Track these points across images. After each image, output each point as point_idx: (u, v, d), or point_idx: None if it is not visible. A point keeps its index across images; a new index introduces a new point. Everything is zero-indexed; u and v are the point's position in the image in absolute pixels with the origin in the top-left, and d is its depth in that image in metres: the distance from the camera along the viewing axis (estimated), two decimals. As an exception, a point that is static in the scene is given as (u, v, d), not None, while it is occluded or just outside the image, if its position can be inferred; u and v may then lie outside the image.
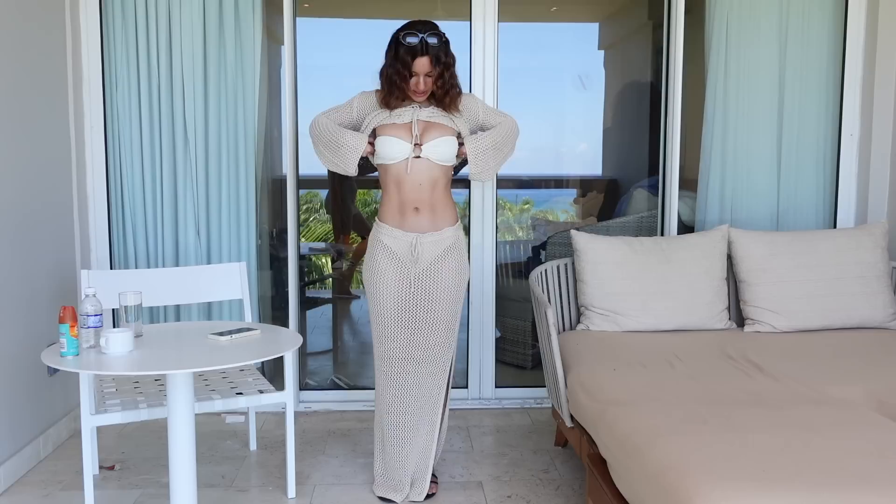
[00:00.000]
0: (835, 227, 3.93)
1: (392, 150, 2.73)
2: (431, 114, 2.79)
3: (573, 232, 3.40)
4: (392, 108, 2.79)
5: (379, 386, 2.85)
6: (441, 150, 2.75)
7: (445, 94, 2.77)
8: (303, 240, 5.96)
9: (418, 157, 2.73)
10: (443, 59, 2.72)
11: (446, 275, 2.80)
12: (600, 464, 2.47)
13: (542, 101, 5.62)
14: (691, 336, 3.20)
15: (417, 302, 2.78)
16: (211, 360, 2.34)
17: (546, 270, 3.41)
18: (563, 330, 3.41)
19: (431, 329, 2.78)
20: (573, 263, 3.40)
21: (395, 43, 2.72)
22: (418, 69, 2.70)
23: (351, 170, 2.79)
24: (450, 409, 3.09)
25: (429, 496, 2.87)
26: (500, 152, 2.85)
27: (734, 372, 2.76)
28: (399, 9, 5.21)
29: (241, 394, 2.86)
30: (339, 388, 4.34)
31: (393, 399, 2.80)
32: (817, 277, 3.31)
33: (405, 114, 2.78)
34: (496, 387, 4.02)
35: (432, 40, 2.69)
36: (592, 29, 5.75)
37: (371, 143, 2.77)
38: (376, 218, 2.87)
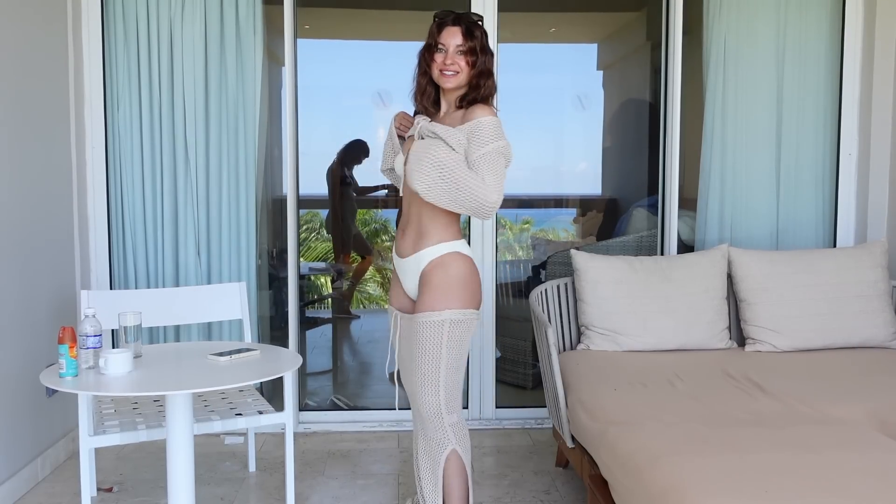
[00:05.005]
0: (834, 245, 3.93)
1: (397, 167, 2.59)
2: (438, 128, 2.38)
3: (573, 251, 3.40)
4: (426, 111, 2.49)
5: None
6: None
7: (479, 80, 2.37)
8: (303, 259, 5.97)
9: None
10: (478, 34, 2.37)
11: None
12: (602, 485, 2.46)
13: (541, 120, 5.64)
14: (692, 356, 3.19)
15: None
16: (210, 380, 2.33)
17: (546, 290, 3.41)
18: (564, 349, 3.40)
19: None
20: (573, 283, 3.40)
21: (427, 34, 2.45)
22: (446, 39, 2.36)
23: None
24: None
25: None
26: (444, 181, 2.26)
27: (735, 391, 2.75)
28: (398, 30, 5.25)
29: (240, 415, 2.85)
30: (338, 408, 4.32)
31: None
32: (818, 296, 3.31)
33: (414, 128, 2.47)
34: (496, 407, 4.00)
35: (468, 17, 2.39)
36: (591, 50, 5.79)
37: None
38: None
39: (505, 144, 2.36)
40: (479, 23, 2.43)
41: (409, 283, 2.52)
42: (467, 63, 2.38)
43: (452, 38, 2.37)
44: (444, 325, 2.38)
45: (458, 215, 2.45)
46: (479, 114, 2.35)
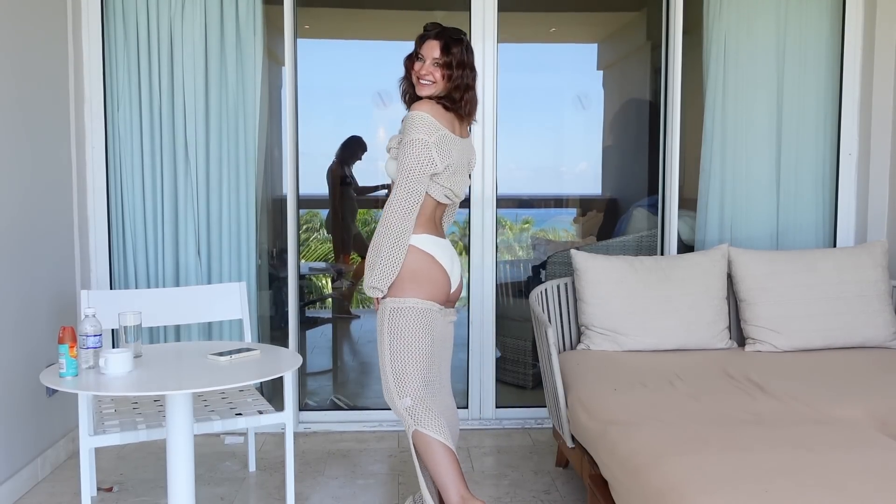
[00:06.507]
0: (834, 245, 3.93)
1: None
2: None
3: (573, 251, 3.40)
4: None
5: None
6: (389, 169, 2.58)
7: (458, 91, 2.52)
8: (303, 259, 5.97)
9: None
10: (455, 51, 2.51)
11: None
12: (602, 484, 2.46)
13: (541, 120, 5.65)
14: (692, 355, 3.19)
15: None
16: (210, 380, 2.33)
17: (546, 290, 3.41)
18: (564, 349, 3.40)
19: None
20: (573, 283, 3.40)
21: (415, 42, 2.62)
22: (425, 51, 2.53)
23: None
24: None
25: None
26: (377, 249, 2.48)
27: (735, 391, 2.75)
28: (398, 30, 5.25)
29: (240, 414, 2.85)
30: (338, 408, 4.33)
31: None
32: (818, 296, 3.31)
33: None
34: (496, 407, 4.00)
35: (449, 33, 2.54)
36: (591, 49, 5.79)
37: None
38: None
39: (416, 139, 2.47)
40: (462, 38, 2.57)
41: None
42: (442, 76, 2.52)
43: (431, 50, 2.53)
44: (384, 313, 2.54)
45: (430, 212, 2.59)
46: (412, 110, 2.52)
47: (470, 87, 2.56)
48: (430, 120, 2.48)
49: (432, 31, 2.56)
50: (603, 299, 3.27)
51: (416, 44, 2.59)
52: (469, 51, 2.57)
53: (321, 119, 5.46)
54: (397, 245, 2.46)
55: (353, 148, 5.66)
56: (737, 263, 3.39)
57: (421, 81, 2.55)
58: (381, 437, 3.83)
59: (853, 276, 3.34)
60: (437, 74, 2.53)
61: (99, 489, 3.16)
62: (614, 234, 5.04)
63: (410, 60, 2.59)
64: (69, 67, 3.56)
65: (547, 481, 3.27)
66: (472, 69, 2.57)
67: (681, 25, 3.82)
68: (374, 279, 2.49)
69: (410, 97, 2.63)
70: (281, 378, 2.77)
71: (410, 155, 2.46)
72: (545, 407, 3.32)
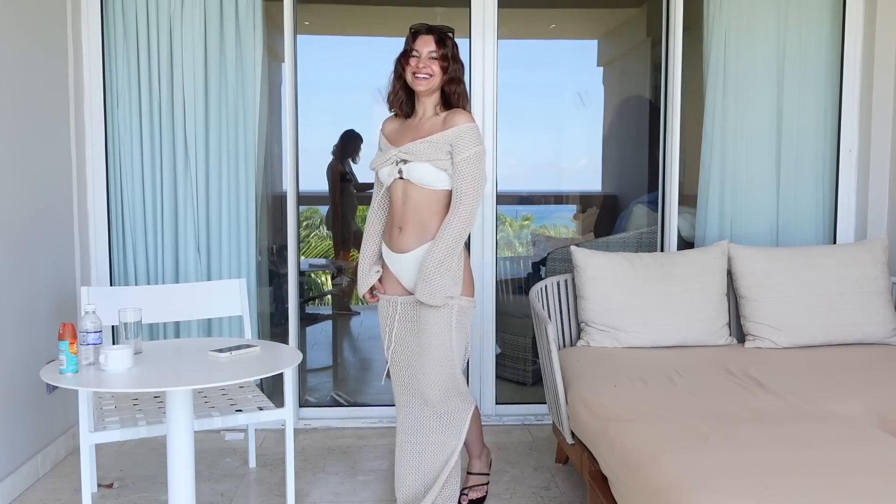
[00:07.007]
0: (834, 242, 3.93)
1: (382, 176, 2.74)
2: (419, 146, 2.62)
3: (573, 248, 3.40)
4: (401, 115, 2.75)
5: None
6: (418, 173, 2.62)
7: (450, 86, 2.63)
8: (303, 256, 5.97)
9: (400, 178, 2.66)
10: (449, 44, 2.62)
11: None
12: (601, 481, 2.46)
13: (541, 117, 5.65)
14: (692, 352, 3.19)
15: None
16: (210, 377, 2.33)
17: (546, 286, 3.41)
18: (564, 346, 3.40)
19: None
20: (573, 279, 3.40)
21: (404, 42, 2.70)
22: (420, 46, 2.61)
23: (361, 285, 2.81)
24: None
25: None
26: (450, 259, 2.58)
27: (735, 388, 2.75)
28: (398, 26, 5.24)
29: (240, 411, 2.85)
30: (338, 405, 4.33)
31: None
32: (818, 293, 3.31)
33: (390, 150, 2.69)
34: (496, 403, 4.00)
35: (440, 28, 2.65)
36: (591, 46, 5.79)
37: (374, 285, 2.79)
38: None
39: (483, 149, 2.63)
40: (451, 34, 2.67)
41: (411, 275, 2.68)
42: (440, 68, 2.61)
43: (426, 45, 2.61)
44: (452, 311, 2.64)
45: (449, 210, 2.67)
46: (461, 120, 2.60)
47: (461, 80, 2.68)
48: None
49: (424, 27, 2.64)
50: (603, 296, 3.27)
51: (407, 42, 2.66)
52: (457, 46, 2.69)
53: (321, 115, 5.46)
54: (461, 251, 2.63)
55: (352, 143, 5.66)
56: (737, 260, 3.39)
57: (418, 76, 2.61)
58: (381, 433, 3.83)
59: (853, 273, 3.34)
60: (435, 67, 2.60)
61: (99, 485, 3.17)
62: (614, 230, 5.04)
63: (404, 58, 2.65)
64: (69, 64, 3.56)
65: (547, 478, 3.28)
66: (462, 64, 2.69)
67: (681, 22, 3.81)
68: (448, 286, 2.58)
69: (404, 100, 2.71)
70: (281, 374, 2.77)
71: (481, 167, 2.60)
72: (545, 403, 3.32)
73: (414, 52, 2.62)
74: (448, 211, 2.62)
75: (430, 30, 2.63)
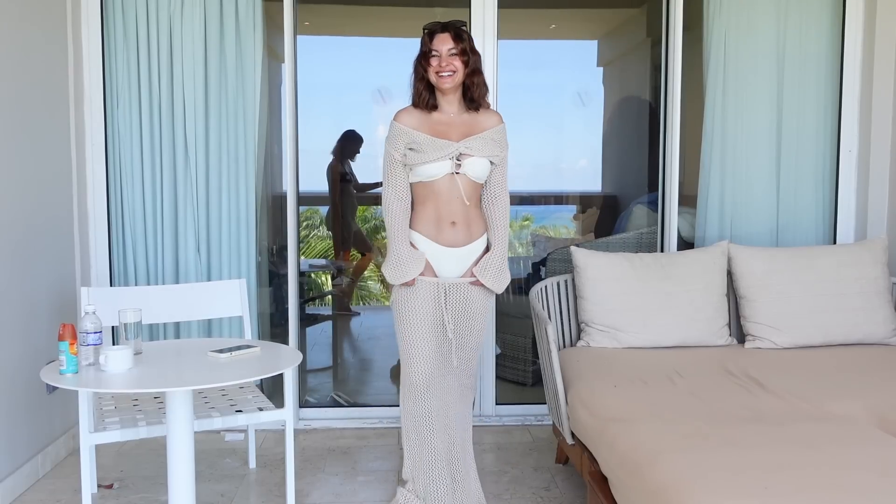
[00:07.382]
0: (834, 242, 3.93)
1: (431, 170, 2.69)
2: (469, 145, 2.67)
3: (573, 248, 3.40)
4: (425, 109, 2.69)
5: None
6: (478, 168, 2.69)
7: (472, 78, 2.66)
8: (303, 256, 5.97)
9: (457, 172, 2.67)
10: (465, 38, 2.65)
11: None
12: (601, 481, 2.46)
13: (541, 117, 5.65)
14: (692, 352, 3.19)
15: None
16: (210, 377, 2.33)
17: (546, 287, 3.41)
18: (564, 346, 3.40)
19: None
20: (573, 280, 3.40)
21: (420, 44, 2.70)
22: (438, 45, 2.62)
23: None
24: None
25: None
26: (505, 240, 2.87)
27: (735, 388, 2.75)
28: (399, 26, 5.25)
29: (240, 411, 2.85)
30: (338, 405, 4.33)
31: None
32: (818, 293, 3.31)
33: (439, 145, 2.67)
34: (496, 403, 4.00)
35: (454, 23, 2.67)
36: (591, 46, 5.79)
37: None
38: None
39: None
40: (464, 27, 2.70)
41: (458, 267, 2.76)
42: (462, 62, 2.64)
43: (444, 43, 2.63)
44: (491, 298, 2.87)
45: None
46: (498, 121, 2.76)
47: (481, 71, 2.72)
48: None
49: (438, 26, 2.65)
50: (603, 296, 3.27)
51: (424, 42, 2.66)
52: (472, 38, 2.72)
53: (321, 116, 5.46)
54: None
55: (351, 143, 5.66)
56: (737, 260, 3.39)
57: (442, 75, 2.63)
58: (381, 433, 3.83)
59: (853, 273, 3.34)
60: (457, 63, 2.63)
61: (99, 486, 3.16)
62: (614, 230, 5.04)
63: (424, 59, 2.65)
64: (69, 65, 3.56)
65: (547, 478, 3.28)
66: (479, 54, 2.72)
67: (681, 22, 3.81)
68: (508, 272, 2.82)
69: (428, 98, 2.69)
70: (281, 375, 2.77)
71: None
72: (545, 404, 3.32)
73: (434, 52, 2.63)
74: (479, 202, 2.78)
75: (444, 27, 2.64)
